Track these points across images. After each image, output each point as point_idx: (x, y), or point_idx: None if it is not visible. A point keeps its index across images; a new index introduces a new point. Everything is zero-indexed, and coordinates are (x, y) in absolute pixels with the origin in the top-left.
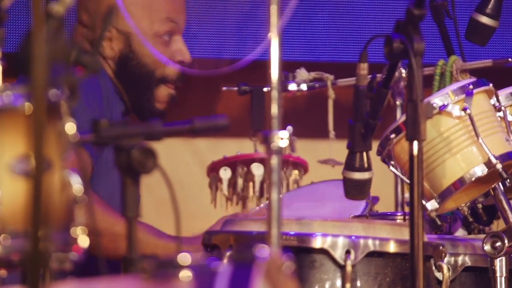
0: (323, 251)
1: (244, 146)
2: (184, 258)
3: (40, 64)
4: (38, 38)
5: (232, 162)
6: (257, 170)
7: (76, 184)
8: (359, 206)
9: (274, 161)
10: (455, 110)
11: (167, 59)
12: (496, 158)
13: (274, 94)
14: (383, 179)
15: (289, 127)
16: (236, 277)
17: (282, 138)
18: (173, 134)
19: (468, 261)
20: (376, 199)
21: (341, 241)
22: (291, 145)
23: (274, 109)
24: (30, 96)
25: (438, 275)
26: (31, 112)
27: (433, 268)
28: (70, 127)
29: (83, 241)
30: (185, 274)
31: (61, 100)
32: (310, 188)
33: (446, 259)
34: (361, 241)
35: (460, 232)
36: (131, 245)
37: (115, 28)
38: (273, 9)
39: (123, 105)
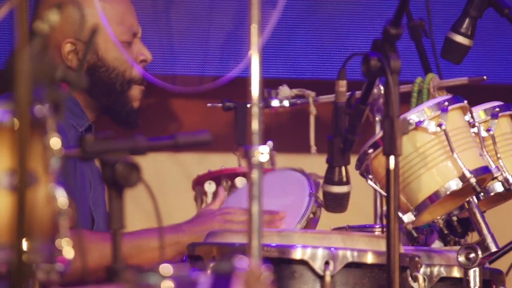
0: (303, 262)
1: (228, 161)
2: (166, 268)
3: (24, 81)
4: (22, 56)
5: (216, 176)
6: (241, 183)
7: (61, 197)
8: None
9: (255, 174)
10: (431, 126)
11: (133, 60)
12: (471, 172)
13: (255, 110)
14: (363, 192)
15: (269, 142)
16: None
17: (262, 152)
18: (156, 149)
19: (443, 271)
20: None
21: (320, 252)
22: (271, 159)
23: (255, 125)
24: (15, 112)
25: (414, 285)
26: (15, 127)
27: (409, 278)
28: (55, 142)
29: (68, 253)
30: (167, 285)
31: (46, 116)
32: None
33: (422, 270)
34: (340, 252)
35: (437, 244)
36: (116, 256)
37: (78, 40)
38: (254, 28)
39: (87, 119)
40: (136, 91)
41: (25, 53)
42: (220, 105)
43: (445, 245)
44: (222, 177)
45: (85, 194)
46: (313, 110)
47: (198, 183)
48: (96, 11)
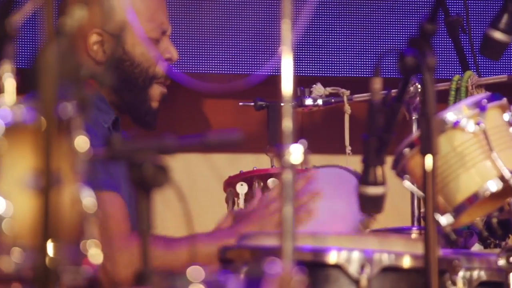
0: (337, 266)
1: (260, 161)
2: (197, 272)
3: (50, 80)
4: (48, 54)
5: (248, 177)
6: (273, 185)
7: (87, 198)
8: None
9: (287, 175)
10: (469, 124)
11: (159, 56)
12: (511, 172)
13: (287, 108)
14: (400, 193)
15: (303, 141)
16: None
17: (295, 152)
18: (186, 149)
19: (483, 275)
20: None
21: (355, 256)
22: (305, 159)
23: (288, 124)
24: (41, 111)
25: None
26: (42, 127)
27: (448, 282)
28: (83, 142)
29: (94, 256)
30: None
31: (72, 115)
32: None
33: (461, 274)
34: (376, 255)
35: (477, 247)
36: (145, 260)
37: (105, 31)
38: (286, 23)
39: (113, 113)
40: (156, 91)
41: (51, 51)
42: (252, 104)
43: (485, 248)
44: (255, 178)
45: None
46: (347, 109)
47: (229, 184)
48: (125, 5)
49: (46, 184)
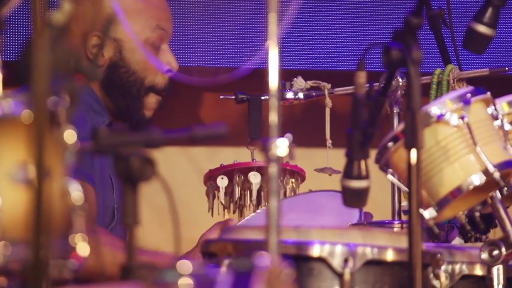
0: (321, 259)
1: (241, 155)
2: (185, 266)
3: (41, 73)
4: (38, 46)
5: (229, 171)
6: (254, 178)
7: (75, 191)
8: (355, 218)
9: (273, 169)
10: (453, 118)
11: (159, 63)
12: (494, 166)
13: (273, 102)
14: (380, 187)
15: (289, 135)
16: (236, 285)
17: (281, 146)
18: (172, 142)
19: (465, 269)
20: (370, 215)
21: (339, 249)
22: (290, 153)
23: (273, 117)
24: (31, 104)
25: (436, 283)
26: (31, 120)
27: (431, 276)
28: (70, 135)
29: (82, 249)
30: (185, 282)
31: (61, 108)
32: (307, 197)
33: (443, 267)
34: (359, 249)
35: (457, 241)
36: (130, 253)
37: (106, 35)
38: (272, 17)
39: (107, 116)
40: (152, 100)
41: (41, 44)
42: (233, 97)
43: (466, 241)
44: (235, 172)
45: (107, 189)
46: (328, 102)
47: (210, 177)
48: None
49: (38, 177)
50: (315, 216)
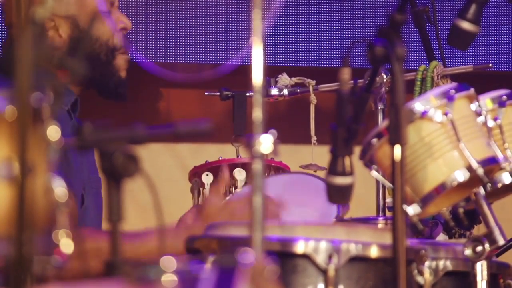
0: (305, 256)
1: (225, 151)
2: (168, 262)
3: (24, 68)
4: (21, 42)
5: (214, 167)
6: (240, 175)
7: (59, 187)
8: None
9: (257, 165)
10: (437, 115)
11: (113, 23)
12: (478, 162)
13: (258, 98)
14: (364, 184)
15: (273, 131)
16: (220, 282)
17: (265, 142)
18: (156, 138)
19: (449, 265)
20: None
21: (323, 246)
22: (275, 149)
23: (258, 114)
24: (14, 100)
25: (420, 279)
26: (15, 116)
27: (415, 272)
28: (54, 131)
29: (65, 245)
30: (169, 278)
31: (44, 104)
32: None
33: (427, 264)
34: (344, 245)
35: (441, 237)
36: (115, 249)
37: (57, 16)
38: (257, 13)
39: (73, 94)
40: (121, 60)
41: (24, 39)
42: (217, 94)
43: (450, 237)
44: (220, 168)
45: (77, 177)
46: (313, 99)
47: (195, 174)
48: None
49: (21, 173)
50: (296, 196)
